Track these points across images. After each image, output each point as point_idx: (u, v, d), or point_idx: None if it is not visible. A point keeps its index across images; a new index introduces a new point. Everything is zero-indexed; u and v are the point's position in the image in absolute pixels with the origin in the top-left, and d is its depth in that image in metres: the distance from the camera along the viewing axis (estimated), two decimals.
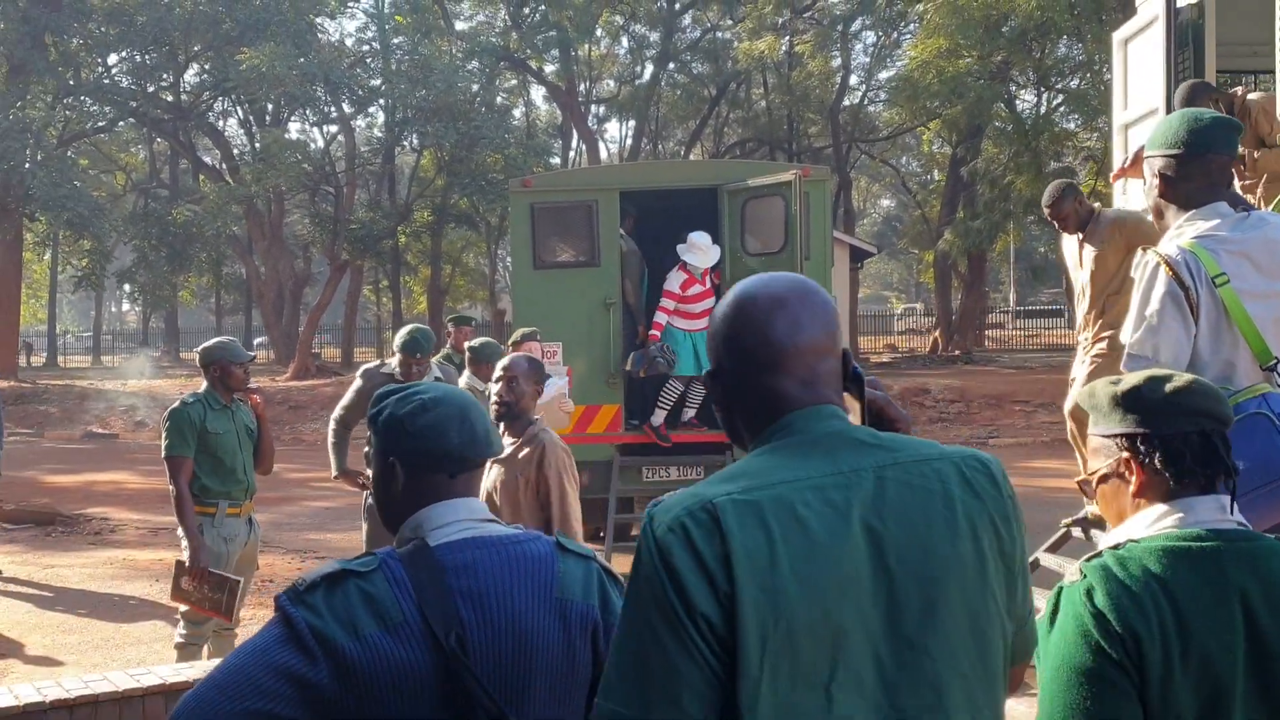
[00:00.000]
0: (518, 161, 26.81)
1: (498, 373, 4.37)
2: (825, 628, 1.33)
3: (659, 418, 8.19)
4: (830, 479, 1.40)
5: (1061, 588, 1.81)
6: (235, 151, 35.33)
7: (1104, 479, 1.94)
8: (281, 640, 1.67)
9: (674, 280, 8.04)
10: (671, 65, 38.27)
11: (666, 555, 1.34)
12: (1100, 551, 1.85)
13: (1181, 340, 2.78)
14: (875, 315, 47.73)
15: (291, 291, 35.48)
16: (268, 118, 34.75)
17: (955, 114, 28.57)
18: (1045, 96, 31.52)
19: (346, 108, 32.32)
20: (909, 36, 32.98)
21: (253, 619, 6.80)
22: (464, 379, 6.76)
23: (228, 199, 28.27)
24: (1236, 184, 5.37)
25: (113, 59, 32.50)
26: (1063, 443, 8.39)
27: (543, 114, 45.29)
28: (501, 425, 4.27)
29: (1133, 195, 6.29)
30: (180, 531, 5.32)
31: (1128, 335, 2.87)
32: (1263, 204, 5.40)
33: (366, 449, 2.40)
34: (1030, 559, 5.84)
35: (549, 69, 36.74)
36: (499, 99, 34.73)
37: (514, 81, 39.45)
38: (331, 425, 6.28)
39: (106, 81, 31.78)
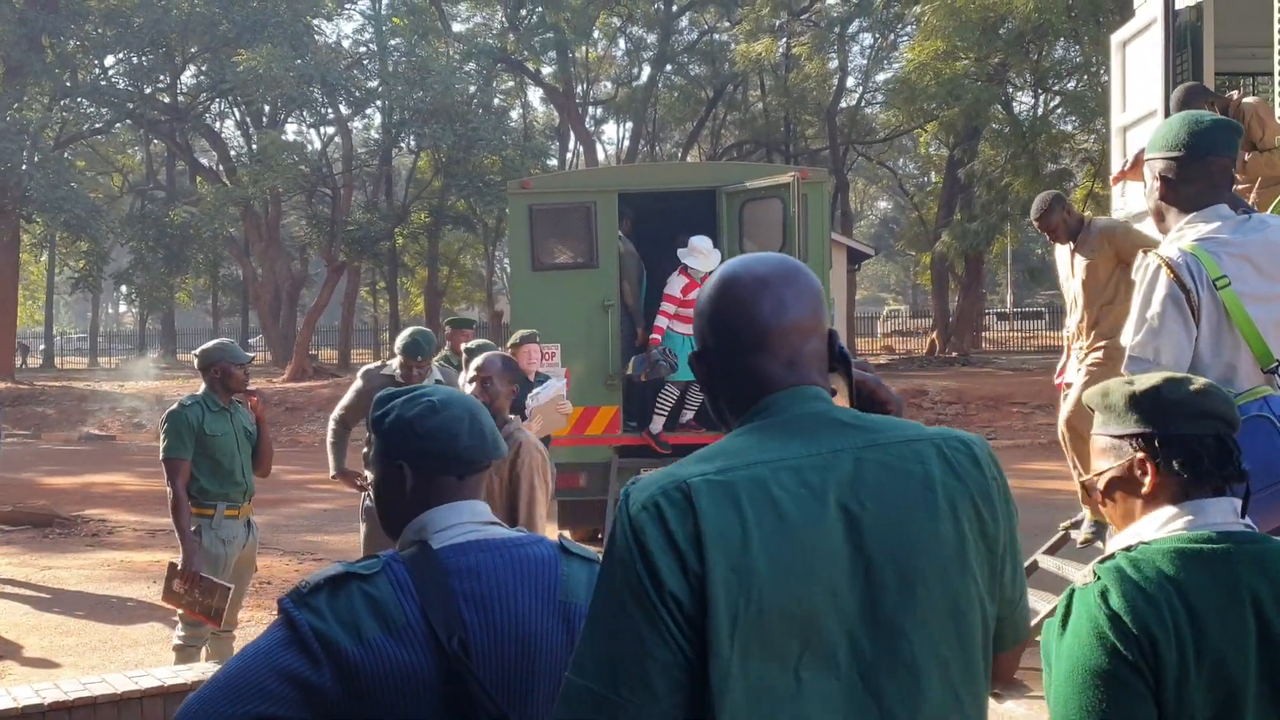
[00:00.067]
0: (515, 163, 26.82)
1: (471, 373, 4.34)
2: (797, 609, 1.33)
3: (657, 425, 8.18)
4: (807, 460, 1.40)
5: (1074, 589, 1.80)
6: (232, 153, 35.28)
7: (1114, 479, 1.93)
8: (285, 643, 1.66)
9: (675, 284, 8.03)
10: (669, 67, 38.31)
11: (639, 534, 1.35)
12: (1113, 554, 1.84)
13: (1183, 343, 2.77)
14: (864, 317, 47.72)
15: (288, 293, 35.47)
16: (265, 119, 34.75)
17: (952, 116, 28.58)
18: (1042, 98, 31.55)
19: (344, 109, 32.32)
20: (906, 38, 33.00)
21: (250, 621, 6.79)
22: (463, 380, 6.75)
23: (225, 200, 28.24)
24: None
25: (110, 60, 32.51)
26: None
27: (540, 116, 45.32)
28: None
29: (1132, 198, 6.30)
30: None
31: (1129, 338, 2.87)
32: (1256, 208, 5.40)
33: (365, 450, 2.39)
34: (1029, 561, 5.85)
35: (546, 71, 36.77)
36: (496, 101, 34.73)
37: (511, 83, 39.47)
38: (331, 425, 6.27)
39: (103, 83, 31.74)
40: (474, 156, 28.74)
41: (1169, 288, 2.78)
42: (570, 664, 1.39)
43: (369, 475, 1.99)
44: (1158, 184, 2.95)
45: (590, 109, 42.45)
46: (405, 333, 6.02)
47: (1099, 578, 1.77)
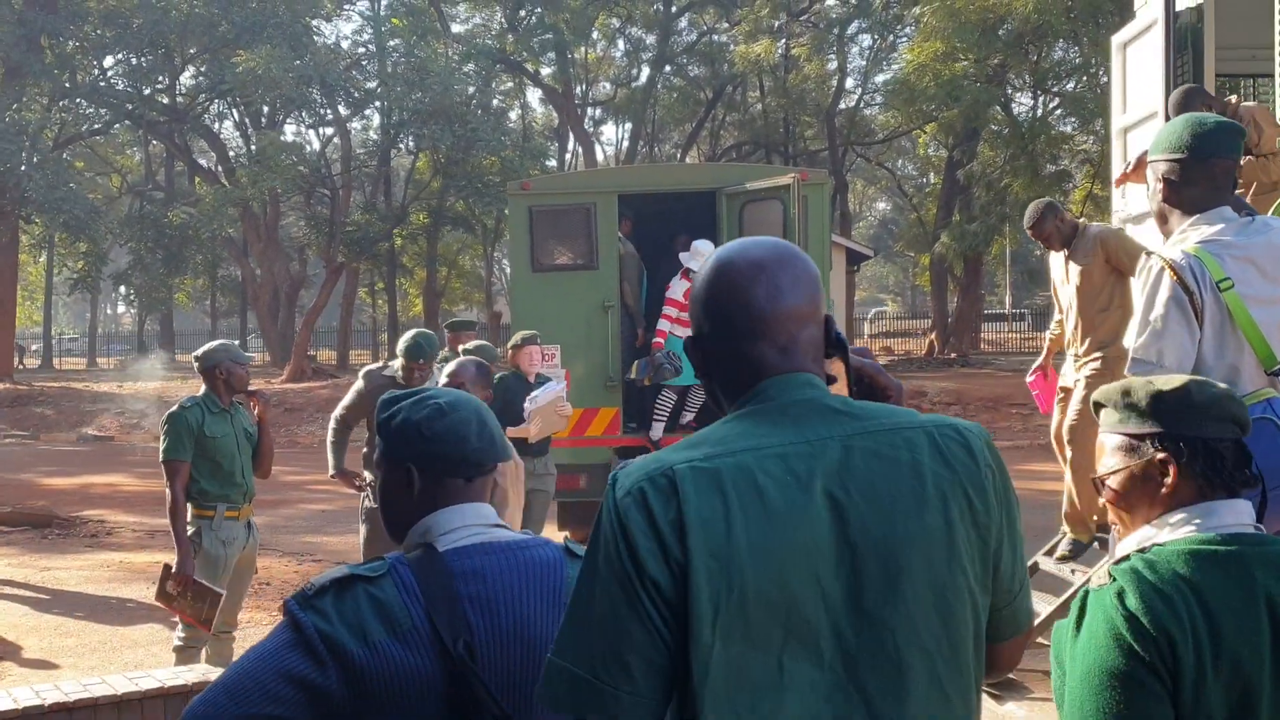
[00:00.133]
0: (514, 164, 26.81)
1: (443, 379, 4.34)
2: (780, 597, 1.33)
3: (658, 431, 8.18)
4: (795, 447, 1.39)
5: (1088, 591, 1.80)
6: (231, 154, 35.26)
7: (1127, 478, 1.92)
8: (290, 645, 1.66)
9: (677, 288, 8.03)
10: (668, 68, 38.30)
11: (624, 519, 1.35)
12: (1127, 555, 1.84)
13: (1186, 345, 2.77)
14: (857, 319, 47.62)
15: (287, 294, 35.46)
16: (263, 120, 34.74)
17: (951, 117, 28.57)
18: (1042, 100, 31.55)
19: (342, 110, 32.30)
20: (905, 40, 32.99)
21: (250, 622, 6.79)
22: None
23: (223, 201, 28.21)
24: None
25: (109, 61, 32.49)
26: None
27: (539, 116, 45.33)
28: None
29: (1133, 200, 6.29)
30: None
31: (1132, 340, 2.87)
32: None
33: (366, 451, 2.38)
34: (1030, 563, 5.85)
35: (545, 71, 36.74)
36: (495, 101, 34.71)
37: (510, 84, 39.45)
38: (332, 424, 6.27)
39: (102, 84, 31.71)
40: (473, 157, 28.72)
41: (1172, 290, 2.78)
42: (553, 645, 1.39)
43: (370, 477, 1.98)
44: (1160, 186, 2.95)
45: (589, 110, 42.45)
46: (407, 335, 6.02)
47: (1114, 579, 1.77)
